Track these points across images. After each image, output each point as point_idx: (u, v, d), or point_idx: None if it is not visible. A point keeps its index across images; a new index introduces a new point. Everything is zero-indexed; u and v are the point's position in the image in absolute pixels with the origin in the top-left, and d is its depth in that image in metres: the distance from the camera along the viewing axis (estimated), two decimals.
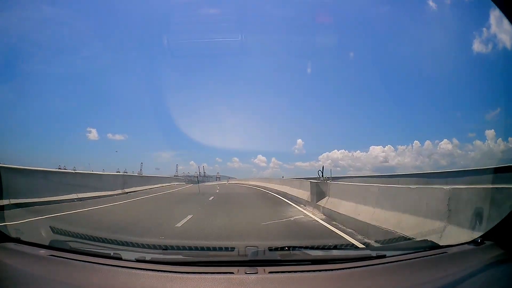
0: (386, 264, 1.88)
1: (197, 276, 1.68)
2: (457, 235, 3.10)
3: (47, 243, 2.12)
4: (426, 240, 2.55)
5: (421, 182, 12.25)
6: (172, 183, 30.28)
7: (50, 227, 2.97)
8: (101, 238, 2.81)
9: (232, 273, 1.70)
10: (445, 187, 3.89)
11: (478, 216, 2.94)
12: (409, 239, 3.44)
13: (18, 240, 2.14)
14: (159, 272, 1.69)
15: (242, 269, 1.73)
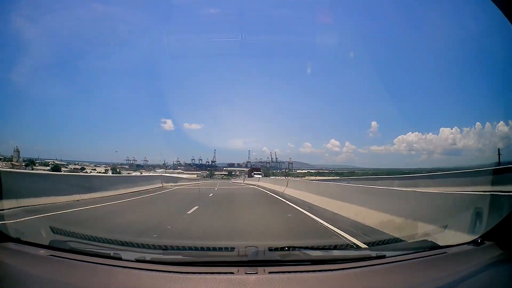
0: (386, 265, 1.89)
1: (197, 276, 1.68)
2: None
3: (47, 243, 2.12)
4: (426, 240, 2.55)
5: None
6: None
7: (50, 227, 2.96)
8: (101, 238, 2.80)
9: (232, 273, 1.71)
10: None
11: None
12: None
13: (18, 240, 2.14)
14: (159, 272, 1.69)
15: (242, 269, 1.73)
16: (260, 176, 44.49)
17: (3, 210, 6.15)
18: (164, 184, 21.76)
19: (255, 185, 27.09)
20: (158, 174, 31.31)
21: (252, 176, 48.65)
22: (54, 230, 2.91)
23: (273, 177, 50.64)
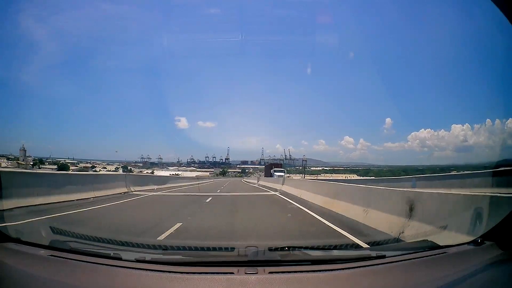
0: (386, 264, 1.88)
1: (197, 276, 1.68)
2: None
3: (47, 243, 2.13)
4: (426, 240, 2.53)
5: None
6: None
7: (50, 227, 2.99)
8: (101, 238, 2.82)
9: (232, 273, 1.71)
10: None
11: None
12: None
13: (18, 240, 2.15)
14: (159, 272, 1.70)
15: (242, 269, 1.73)
16: (283, 175, 31.73)
17: (2, 210, 6.17)
18: (137, 188, 14.77)
19: (278, 190, 16.12)
20: (123, 173, 19.93)
21: (271, 175, 37.12)
22: (54, 230, 2.93)
23: (289, 175, 42.29)
